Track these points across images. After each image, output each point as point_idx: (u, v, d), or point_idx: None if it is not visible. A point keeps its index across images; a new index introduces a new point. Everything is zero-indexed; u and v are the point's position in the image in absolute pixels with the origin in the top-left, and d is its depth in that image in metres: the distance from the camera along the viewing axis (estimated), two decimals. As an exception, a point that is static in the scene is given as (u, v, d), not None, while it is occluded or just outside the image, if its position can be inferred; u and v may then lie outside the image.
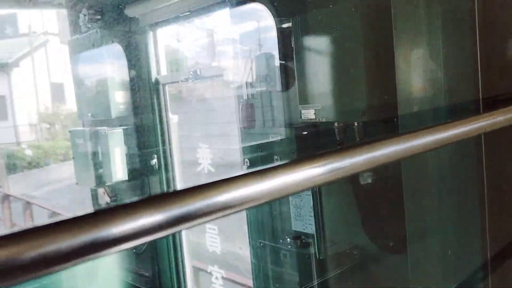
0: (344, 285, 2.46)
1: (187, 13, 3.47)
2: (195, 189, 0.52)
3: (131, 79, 4.14)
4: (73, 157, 4.60)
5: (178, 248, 4.12)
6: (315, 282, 2.44)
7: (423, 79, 1.77)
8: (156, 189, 4.10)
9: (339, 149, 0.71)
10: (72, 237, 0.42)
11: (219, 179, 0.54)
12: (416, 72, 1.80)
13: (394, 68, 1.84)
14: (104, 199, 4.59)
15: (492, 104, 1.50)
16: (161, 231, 0.48)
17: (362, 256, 2.39)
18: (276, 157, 2.69)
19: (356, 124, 2.11)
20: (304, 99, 2.29)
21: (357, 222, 2.34)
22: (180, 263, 4.15)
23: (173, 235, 4.07)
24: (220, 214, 0.53)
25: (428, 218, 1.88)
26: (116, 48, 4.20)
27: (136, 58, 4.08)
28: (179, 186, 3.99)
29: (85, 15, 4.21)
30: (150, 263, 4.33)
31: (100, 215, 0.45)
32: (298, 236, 2.63)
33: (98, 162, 4.21)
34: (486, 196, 1.60)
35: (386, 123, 2.12)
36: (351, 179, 2.31)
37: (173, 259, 4.13)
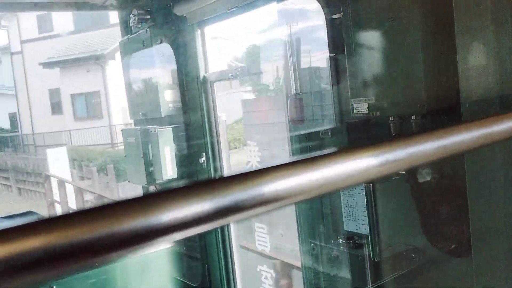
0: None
1: (234, 8, 3.42)
2: (241, 176, 0.46)
3: (180, 78, 4.15)
4: (125, 156, 4.69)
5: (228, 247, 4.10)
6: (370, 287, 2.31)
7: (487, 69, 1.61)
8: (205, 187, 4.09)
9: (397, 139, 0.61)
10: (117, 225, 0.37)
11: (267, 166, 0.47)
12: (479, 61, 1.65)
13: (455, 57, 1.69)
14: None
15: None
16: (210, 221, 0.43)
17: (421, 259, 2.23)
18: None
19: (413, 117, 1.96)
20: (356, 92, 2.17)
21: (415, 223, 2.19)
22: (230, 262, 4.12)
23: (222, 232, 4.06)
24: (269, 206, 0.46)
25: (495, 218, 1.71)
26: (165, 47, 4.23)
27: (184, 56, 4.09)
28: (228, 184, 3.96)
29: (135, 15, 4.27)
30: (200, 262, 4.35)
31: (148, 200, 0.40)
32: (350, 237, 2.51)
33: (148, 160, 4.27)
34: None
35: (446, 116, 1.96)
36: (408, 177, 2.16)
37: (222, 258, 4.11)
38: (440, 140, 0.66)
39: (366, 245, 2.42)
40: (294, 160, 0.49)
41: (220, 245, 4.10)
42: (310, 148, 2.59)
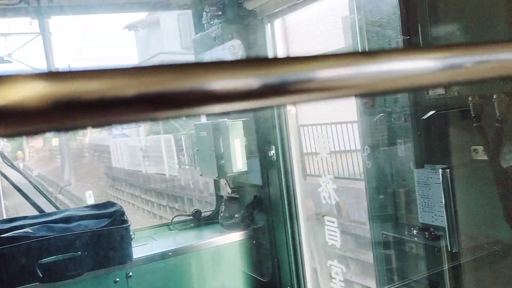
0: (482, 284, 2.15)
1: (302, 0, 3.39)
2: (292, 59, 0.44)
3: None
4: (197, 149, 4.82)
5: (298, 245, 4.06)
6: (447, 278, 2.16)
7: None
8: (274, 180, 4.09)
9: (471, 44, 0.54)
10: (160, 84, 0.38)
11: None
12: None
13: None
14: (226, 190, 4.72)
15: None
16: (257, 98, 0.42)
17: (504, 252, 2.05)
18: (399, 141, 2.46)
19: (495, 96, 1.81)
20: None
21: (498, 213, 2.02)
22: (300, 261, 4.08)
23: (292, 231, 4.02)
24: (320, 94, 0.44)
25: None
26: (236, 43, 4.29)
27: (254, 50, 4.12)
28: (297, 176, 3.93)
29: (207, 12, 4.38)
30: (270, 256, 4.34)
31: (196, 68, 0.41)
32: (426, 228, 2.38)
33: (219, 153, 4.34)
34: None
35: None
36: (490, 162, 2.00)
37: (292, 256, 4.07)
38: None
39: (443, 237, 2.27)
40: (353, 51, 0.45)
41: (290, 241, 4.07)
42: (381, 132, 2.49)
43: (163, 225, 4.93)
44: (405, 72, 0.48)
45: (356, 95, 0.47)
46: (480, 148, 2.13)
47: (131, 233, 3.88)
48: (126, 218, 3.91)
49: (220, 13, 4.34)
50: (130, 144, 25.42)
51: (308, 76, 0.43)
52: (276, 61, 0.44)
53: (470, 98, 1.92)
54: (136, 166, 24.17)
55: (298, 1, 3.45)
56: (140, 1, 4.74)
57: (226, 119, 4.23)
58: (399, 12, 2.19)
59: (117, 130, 26.03)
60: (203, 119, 4.93)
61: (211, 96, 0.40)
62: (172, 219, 4.89)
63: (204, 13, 4.48)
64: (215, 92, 0.40)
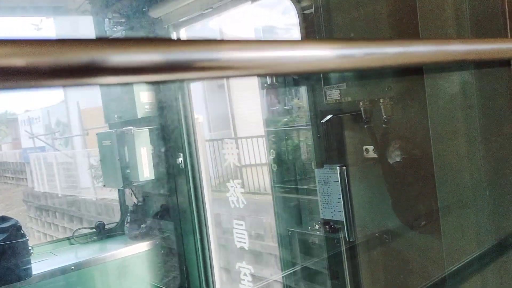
0: (375, 268, 2.40)
1: (210, 9, 3.51)
2: (197, 42, 0.51)
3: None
4: (100, 160, 4.68)
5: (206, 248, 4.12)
6: (345, 265, 2.39)
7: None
8: (182, 187, 4.12)
9: (359, 39, 0.69)
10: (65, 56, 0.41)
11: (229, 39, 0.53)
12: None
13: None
14: (132, 200, 4.64)
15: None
16: (155, 73, 0.48)
17: (393, 240, 2.33)
18: (302, 144, 2.67)
19: (382, 100, 2.07)
20: (328, 80, 2.28)
21: (387, 204, 2.29)
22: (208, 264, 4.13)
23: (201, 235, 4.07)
24: (220, 73, 0.52)
25: (462, 192, 1.82)
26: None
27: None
28: (205, 181, 4.01)
29: (110, 19, 4.31)
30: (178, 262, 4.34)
31: (99, 43, 0.44)
32: (326, 223, 2.60)
33: (124, 162, 4.27)
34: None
35: (412, 99, 2.08)
36: (380, 160, 2.27)
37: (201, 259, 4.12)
38: (399, 47, 0.74)
39: (341, 230, 2.50)
40: (255, 39, 0.56)
41: (199, 248, 4.11)
42: (285, 135, 2.68)
43: (64, 239, 4.69)
44: (300, 58, 0.59)
45: (253, 75, 0.56)
46: (371, 148, 2.40)
47: (29, 248, 3.66)
48: (23, 232, 3.67)
49: (123, 20, 4.30)
50: (60, 160, 18.14)
51: (209, 56, 0.51)
52: (184, 42, 0.51)
53: (361, 103, 2.17)
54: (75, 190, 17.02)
55: (205, 12, 3.56)
56: (35, 6, 4.51)
57: (131, 127, 4.19)
58: (299, 29, 2.40)
59: (31, 143, 20.08)
60: (106, 128, 4.81)
61: (111, 68, 0.44)
62: (74, 232, 4.67)
63: (106, 19, 4.40)
64: (115, 64, 0.44)
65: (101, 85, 0.45)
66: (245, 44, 0.55)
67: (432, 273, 2.05)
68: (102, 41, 0.44)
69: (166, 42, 0.48)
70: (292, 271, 2.85)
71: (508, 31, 1.43)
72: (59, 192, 17.52)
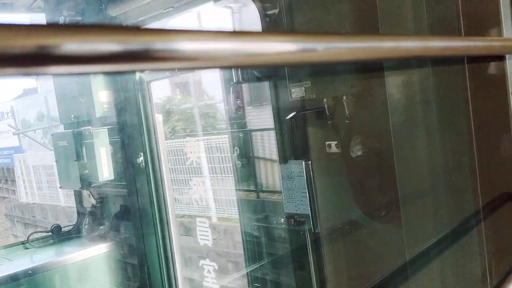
0: (338, 257, 2.52)
1: (170, 8, 3.52)
2: (158, 31, 0.49)
3: (114, 79, 4.14)
4: (55, 161, 4.56)
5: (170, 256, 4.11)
6: (310, 256, 2.49)
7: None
8: (143, 187, 4.09)
9: (321, 33, 0.72)
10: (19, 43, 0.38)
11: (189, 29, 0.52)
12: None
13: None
14: (90, 201, 4.55)
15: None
16: (114, 62, 0.45)
17: (355, 230, 2.46)
18: (264, 141, 2.75)
19: (345, 97, 2.19)
20: (294, 78, 2.37)
21: (350, 197, 2.41)
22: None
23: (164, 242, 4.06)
24: (178, 64, 0.50)
25: (421, 181, 1.96)
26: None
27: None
28: (166, 180, 4.01)
29: (65, 16, 4.21)
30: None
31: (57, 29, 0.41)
32: (291, 217, 2.69)
33: (82, 163, 4.19)
34: (476, 152, 1.69)
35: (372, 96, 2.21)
36: (343, 155, 2.38)
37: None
38: (359, 43, 0.79)
39: (306, 222, 2.60)
40: (219, 30, 0.54)
41: (161, 247, 4.10)
42: (250, 135, 2.75)
43: (18, 244, 4.53)
44: (261, 50, 0.59)
45: (214, 67, 0.56)
46: (333, 143, 2.51)
47: (-18, 254, 3.52)
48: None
49: (80, 18, 4.21)
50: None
51: (168, 46, 0.48)
52: (143, 30, 0.48)
53: (325, 100, 2.27)
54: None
55: (165, 10, 3.56)
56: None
57: (90, 127, 4.11)
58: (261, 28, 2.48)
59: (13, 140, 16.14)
60: (61, 128, 4.69)
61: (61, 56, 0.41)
62: (29, 236, 4.51)
63: (61, 17, 4.29)
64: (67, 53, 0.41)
65: (52, 74, 0.42)
66: (207, 35, 0.53)
67: (393, 261, 2.18)
68: (53, 27, 0.41)
69: (123, 29, 0.46)
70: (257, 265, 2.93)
71: (462, 30, 1.57)
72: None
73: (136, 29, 0.47)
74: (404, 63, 1.81)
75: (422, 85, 1.80)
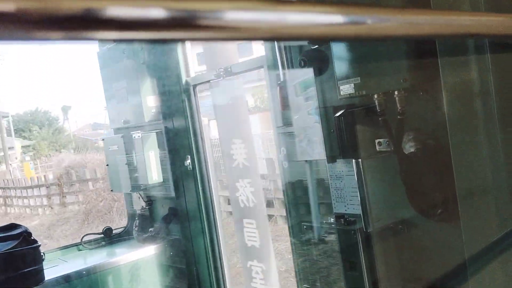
0: (390, 258, 2.45)
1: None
2: None
3: (161, 83, 4.24)
4: (107, 165, 4.71)
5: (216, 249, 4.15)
6: (362, 256, 2.44)
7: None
8: (191, 189, 4.15)
9: (370, 6, 0.68)
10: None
11: None
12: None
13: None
14: (140, 204, 4.66)
15: None
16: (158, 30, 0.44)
17: (409, 230, 2.38)
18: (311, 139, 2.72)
19: (397, 92, 2.13)
20: (342, 75, 2.33)
21: (403, 195, 2.34)
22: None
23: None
24: (223, 34, 0.48)
25: (481, 176, 1.88)
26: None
27: (164, 61, 4.19)
28: (213, 182, 4.04)
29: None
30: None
31: None
32: (341, 216, 2.65)
33: (133, 166, 4.30)
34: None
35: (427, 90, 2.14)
36: (395, 152, 2.32)
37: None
38: (411, 17, 0.75)
39: (356, 222, 2.55)
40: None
41: (209, 248, 4.14)
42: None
43: (72, 245, 4.71)
44: (308, 21, 0.56)
45: (259, 39, 0.54)
46: (383, 141, 2.46)
47: (41, 254, 3.67)
48: (34, 239, 3.69)
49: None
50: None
51: (215, 15, 0.47)
52: None
53: (375, 96, 2.23)
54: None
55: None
56: None
57: (139, 131, 4.22)
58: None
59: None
60: (111, 133, 4.84)
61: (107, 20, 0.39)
62: (82, 238, 4.68)
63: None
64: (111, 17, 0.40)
65: (98, 39, 0.41)
66: (252, 3, 0.51)
67: (452, 261, 2.10)
68: None
69: None
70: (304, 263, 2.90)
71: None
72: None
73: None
74: (459, 51, 1.74)
75: (479, 73, 1.73)
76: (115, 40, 0.42)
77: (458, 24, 0.92)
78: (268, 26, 0.53)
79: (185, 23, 0.45)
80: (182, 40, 0.49)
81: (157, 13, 0.42)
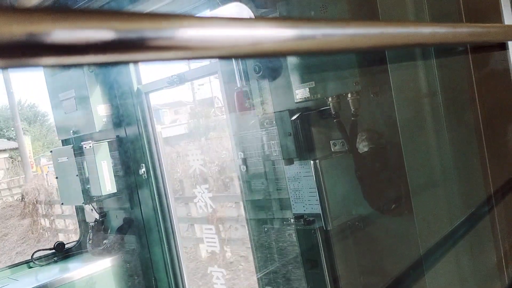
0: (349, 254, 2.55)
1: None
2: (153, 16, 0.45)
3: (112, 92, 4.15)
4: (56, 177, 4.54)
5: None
6: (322, 254, 2.51)
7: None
8: (146, 198, 4.09)
9: (320, 20, 0.69)
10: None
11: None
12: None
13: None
14: (93, 216, 4.53)
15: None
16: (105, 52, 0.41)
17: (366, 226, 2.49)
18: (268, 143, 2.78)
19: (350, 95, 2.22)
20: (297, 80, 2.40)
21: (359, 193, 2.44)
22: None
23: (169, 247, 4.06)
24: (176, 54, 0.47)
25: (432, 172, 2.00)
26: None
27: (114, 69, 4.11)
28: (169, 190, 4.01)
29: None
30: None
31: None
32: (300, 217, 2.71)
33: (84, 178, 4.18)
34: (484, 140, 1.73)
35: (376, 91, 2.25)
36: (350, 152, 2.42)
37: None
38: (360, 29, 0.76)
39: (315, 221, 2.63)
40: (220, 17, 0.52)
41: (167, 257, 4.09)
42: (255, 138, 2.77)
43: (22, 263, 4.49)
44: (263, 38, 0.56)
45: (210, 57, 0.53)
46: (338, 141, 2.55)
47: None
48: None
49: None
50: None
51: (167, 34, 0.45)
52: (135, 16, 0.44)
53: (330, 99, 2.31)
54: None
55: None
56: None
57: (90, 141, 4.11)
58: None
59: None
60: (60, 145, 4.68)
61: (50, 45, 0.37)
62: (32, 255, 4.48)
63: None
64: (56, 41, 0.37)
65: (42, 66, 0.37)
66: (206, 21, 0.49)
67: (408, 253, 2.21)
68: (41, 12, 0.36)
69: (118, 15, 0.42)
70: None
71: (463, 16, 1.61)
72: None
73: (130, 15, 0.43)
74: (407, 56, 1.85)
75: (426, 76, 1.84)
76: (64, 66, 0.39)
77: (406, 34, 0.96)
78: (218, 45, 0.52)
79: (134, 45, 0.43)
80: (133, 62, 0.46)
81: (105, 35, 0.40)
